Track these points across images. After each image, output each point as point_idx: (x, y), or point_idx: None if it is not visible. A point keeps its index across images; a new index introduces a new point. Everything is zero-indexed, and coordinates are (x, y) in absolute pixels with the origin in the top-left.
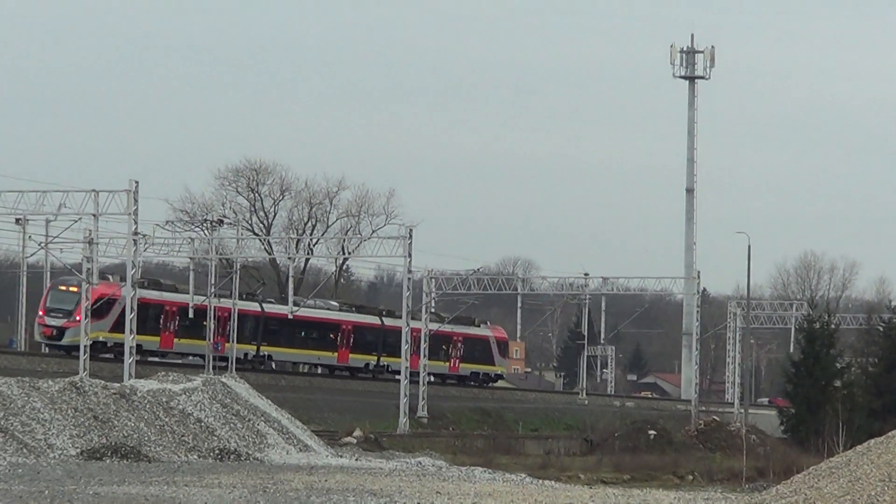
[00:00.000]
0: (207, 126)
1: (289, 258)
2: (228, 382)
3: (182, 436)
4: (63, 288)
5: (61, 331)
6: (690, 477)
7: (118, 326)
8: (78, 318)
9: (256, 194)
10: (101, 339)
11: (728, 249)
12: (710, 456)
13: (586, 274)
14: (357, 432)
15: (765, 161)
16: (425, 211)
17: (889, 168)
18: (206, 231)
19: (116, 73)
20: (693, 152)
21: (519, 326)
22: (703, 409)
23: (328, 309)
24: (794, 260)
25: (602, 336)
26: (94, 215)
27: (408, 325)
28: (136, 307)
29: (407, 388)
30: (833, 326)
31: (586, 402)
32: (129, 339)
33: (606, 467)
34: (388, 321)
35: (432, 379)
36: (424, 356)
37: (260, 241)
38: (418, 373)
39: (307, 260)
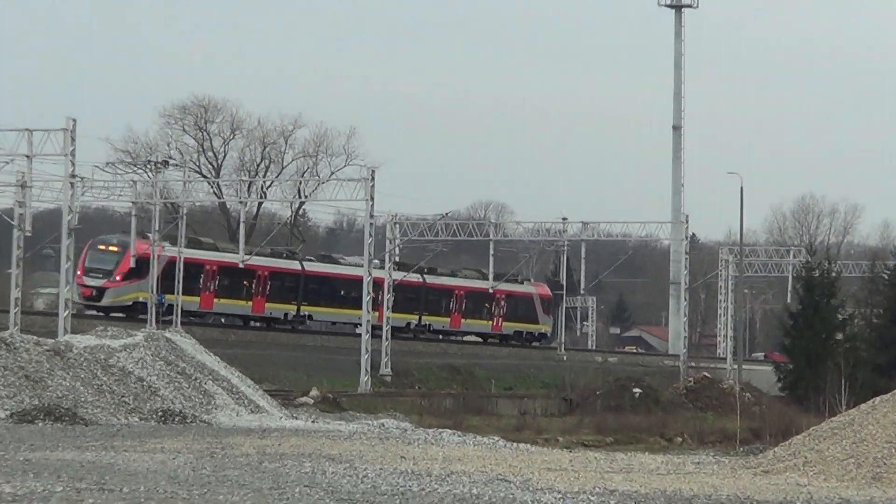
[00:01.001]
0: (152, 61)
1: (240, 202)
2: (173, 338)
3: (122, 396)
4: (102, 247)
5: (101, 291)
6: (679, 439)
7: (159, 286)
8: (118, 278)
9: (205, 133)
10: (141, 299)
11: (719, 193)
12: (700, 416)
13: (564, 219)
14: (314, 392)
15: (759, 98)
16: (389, 152)
17: None
18: (149, 173)
19: (51, 2)
20: (680, 87)
21: (491, 275)
22: (693, 364)
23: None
24: (792, 203)
25: (582, 286)
26: (27, 156)
27: (370, 274)
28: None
29: (369, 343)
30: (834, 274)
31: (565, 357)
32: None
33: (587, 429)
34: (430, 279)
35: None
36: (388, 308)
37: (209, 183)
38: (381, 326)
39: (260, 204)
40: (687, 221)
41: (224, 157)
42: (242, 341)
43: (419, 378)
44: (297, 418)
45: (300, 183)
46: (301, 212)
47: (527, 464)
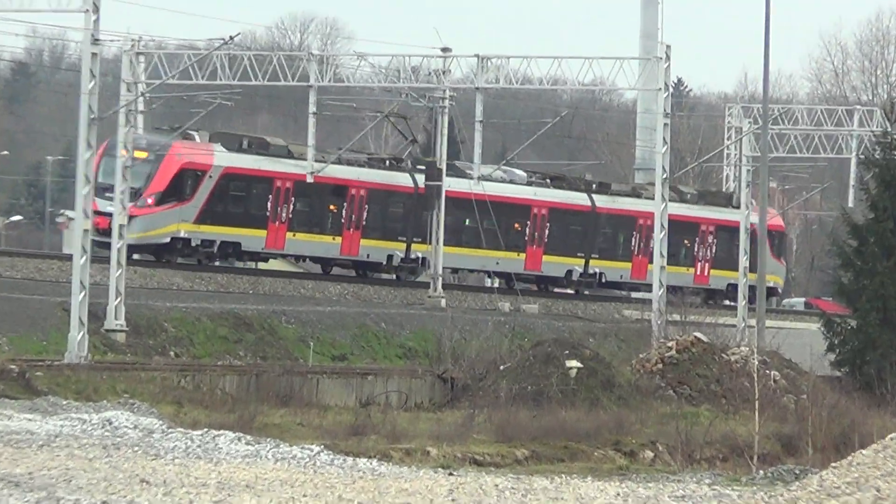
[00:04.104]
0: None
1: None
2: None
3: None
4: (123, 153)
5: None
6: (650, 453)
7: (208, 214)
8: (150, 201)
9: None
10: (182, 233)
11: (723, 38)
12: (688, 411)
13: (445, 49)
14: None
15: None
16: None
17: None
18: None
19: None
20: None
21: (311, 149)
22: (677, 317)
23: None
24: (857, 27)
25: (477, 173)
26: None
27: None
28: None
29: (86, 273)
30: None
31: (443, 300)
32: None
33: (483, 434)
34: (601, 200)
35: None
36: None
37: None
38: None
39: None
40: (668, 57)
41: None
42: None
43: (177, 336)
44: None
45: None
46: None
47: (371, 499)
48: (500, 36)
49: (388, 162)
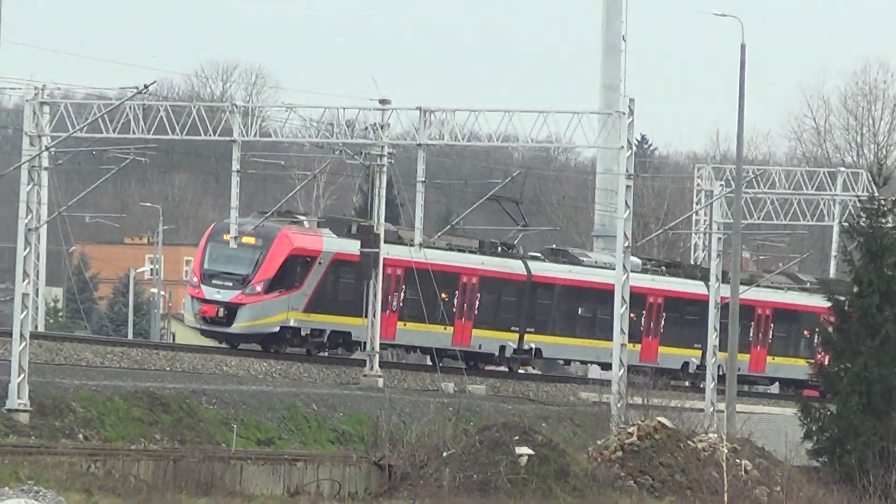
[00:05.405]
0: None
1: None
2: None
3: None
4: (231, 238)
5: (231, 309)
6: None
7: (318, 302)
8: (259, 288)
9: None
10: (291, 322)
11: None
12: None
13: (384, 101)
14: None
15: None
16: None
17: None
18: None
19: None
20: None
21: (235, 213)
22: (639, 401)
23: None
24: (842, 79)
25: (417, 238)
26: None
27: None
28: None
29: None
30: None
31: (380, 380)
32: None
33: None
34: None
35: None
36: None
37: None
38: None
39: None
40: (631, 112)
41: None
42: None
43: (86, 418)
44: None
45: None
46: None
47: None
48: (445, 87)
49: (499, 248)
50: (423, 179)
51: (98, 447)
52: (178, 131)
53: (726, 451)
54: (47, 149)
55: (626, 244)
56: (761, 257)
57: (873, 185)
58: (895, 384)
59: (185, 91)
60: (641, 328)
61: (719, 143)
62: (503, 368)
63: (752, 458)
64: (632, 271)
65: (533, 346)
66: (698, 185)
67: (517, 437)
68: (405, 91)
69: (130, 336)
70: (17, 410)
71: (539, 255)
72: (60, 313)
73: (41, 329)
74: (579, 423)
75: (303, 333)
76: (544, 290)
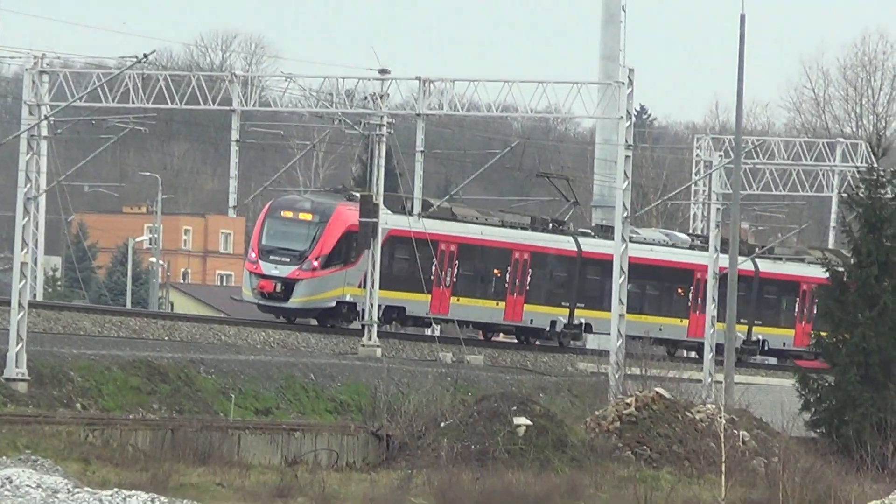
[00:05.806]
0: None
1: None
2: None
3: None
4: (288, 214)
5: (288, 284)
6: None
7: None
8: (316, 264)
9: None
10: (348, 297)
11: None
12: (647, 475)
13: (383, 71)
14: None
15: None
16: None
17: None
18: None
19: None
20: None
21: (234, 182)
22: (637, 371)
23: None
24: (841, 51)
25: (416, 208)
26: None
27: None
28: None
29: None
30: None
31: (378, 350)
32: None
33: (421, 497)
34: (765, 266)
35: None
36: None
37: None
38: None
39: None
40: (631, 82)
41: None
42: None
43: (84, 387)
44: None
45: None
46: None
47: None
48: (444, 57)
49: (550, 224)
50: (422, 149)
51: (96, 416)
52: (177, 101)
53: (724, 421)
54: (46, 118)
55: (625, 214)
56: (760, 228)
57: (872, 156)
58: (893, 355)
59: (185, 60)
60: (689, 304)
61: (718, 113)
62: (553, 343)
63: (749, 429)
64: (679, 247)
65: (583, 321)
66: (697, 155)
67: (515, 408)
68: (405, 61)
69: (129, 305)
70: (15, 380)
71: (589, 231)
72: (59, 282)
73: (40, 298)
74: (577, 394)
75: (358, 308)
76: (594, 266)
